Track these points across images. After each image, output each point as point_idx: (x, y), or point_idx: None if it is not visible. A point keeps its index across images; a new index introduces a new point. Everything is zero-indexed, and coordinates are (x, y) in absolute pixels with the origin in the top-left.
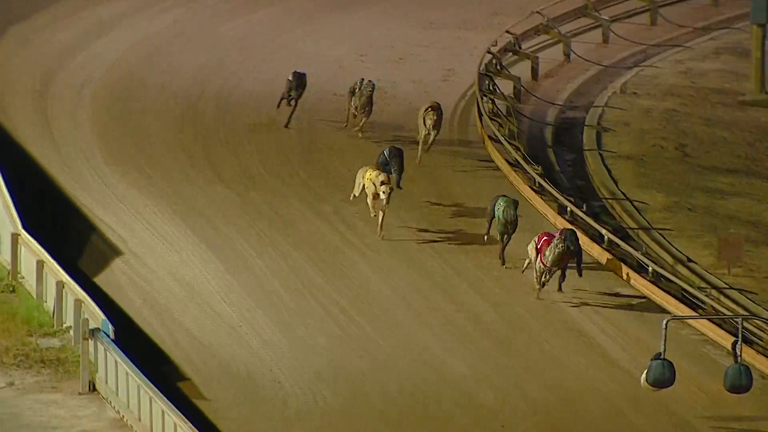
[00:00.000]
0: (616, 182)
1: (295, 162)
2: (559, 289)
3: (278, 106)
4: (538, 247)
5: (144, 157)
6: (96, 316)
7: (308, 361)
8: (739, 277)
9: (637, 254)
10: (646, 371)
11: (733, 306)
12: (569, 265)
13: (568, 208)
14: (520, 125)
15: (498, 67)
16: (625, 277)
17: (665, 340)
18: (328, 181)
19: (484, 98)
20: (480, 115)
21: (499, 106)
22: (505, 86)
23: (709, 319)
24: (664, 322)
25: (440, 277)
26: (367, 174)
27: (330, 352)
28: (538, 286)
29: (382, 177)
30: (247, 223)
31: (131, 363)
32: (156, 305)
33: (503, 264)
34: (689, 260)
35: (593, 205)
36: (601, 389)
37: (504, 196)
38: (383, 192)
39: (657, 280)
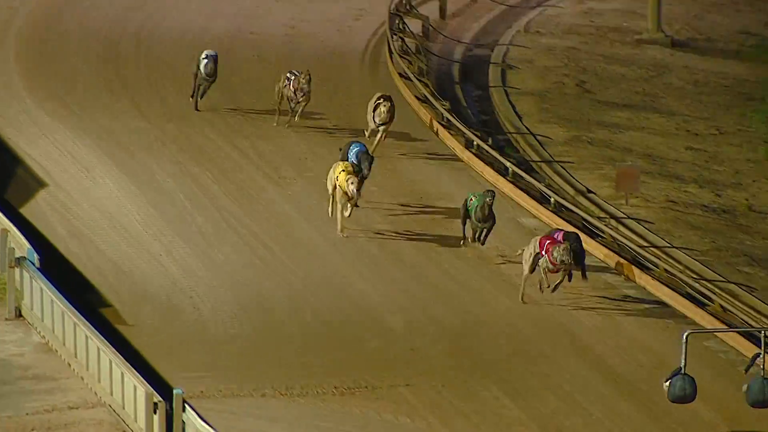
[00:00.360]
0: (520, 117)
1: (213, 98)
2: (554, 289)
3: (193, 98)
4: (544, 249)
5: (67, 93)
6: (21, 245)
7: (226, 288)
8: (636, 207)
9: (540, 186)
10: (667, 387)
11: (632, 235)
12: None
13: (475, 142)
14: (429, 63)
15: (407, 7)
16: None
17: (686, 354)
18: (246, 117)
19: (394, 37)
20: (390, 53)
21: (408, 45)
22: (415, 25)
23: (733, 331)
24: (684, 335)
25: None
26: (340, 175)
27: (247, 280)
28: (546, 285)
29: (351, 178)
30: (167, 157)
31: (56, 290)
32: (80, 235)
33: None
34: (589, 191)
35: (498, 139)
36: (507, 314)
37: (475, 193)
38: (352, 183)
39: (558, 210)
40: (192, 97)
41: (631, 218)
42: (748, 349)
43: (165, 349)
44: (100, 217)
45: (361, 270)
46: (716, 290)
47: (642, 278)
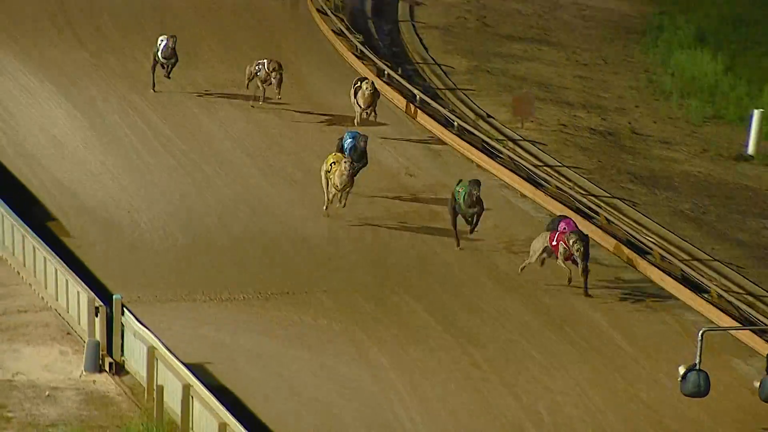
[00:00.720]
0: (426, 49)
1: (148, 29)
2: (585, 292)
3: (154, 86)
4: (556, 240)
5: (12, 25)
6: None
7: (161, 204)
8: (531, 130)
9: (445, 111)
10: (681, 382)
11: (527, 155)
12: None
13: (386, 71)
14: (344, 0)
15: None
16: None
17: (701, 351)
18: (178, 48)
19: None
20: None
21: None
22: None
23: (747, 329)
24: (700, 333)
25: (274, 130)
26: (330, 158)
27: (181, 197)
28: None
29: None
30: (105, 84)
31: (5, 204)
32: (27, 154)
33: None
34: (488, 116)
35: (407, 69)
36: (415, 229)
37: (462, 181)
38: (345, 165)
39: (461, 133)
40: (161, 82)
41: (526, 140)
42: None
43: (105, 259)
44: (45, 138)
45: (286, 191)
46: (602, 204)
47: (536, 194)
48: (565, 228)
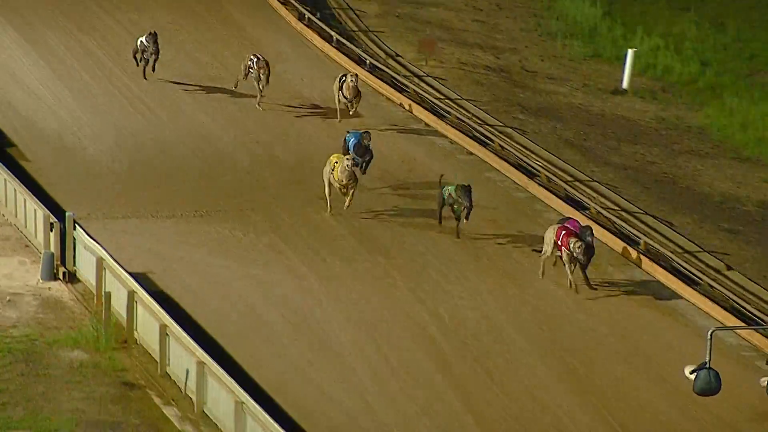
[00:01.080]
0: None
1: None
2: (588, 285)
3: (137, 64)
4: (560, 240)
5: None
6: None
7: (112, 136)
8: (434, 67)
9: (359, 51)
10: (693, 380)
11: (430, 90)
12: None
13: (306, 15)
14: None
15: None
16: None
17: (710, 350)
18: None
19: None
20: None
21: None
22: None
23: (754, 329)
24: (709, 332)
25: (212, 70)
26: (335, 168)
27: (125, 127)
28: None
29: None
30: (58, 24)
31: None
32: None
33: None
34: (397, 55)
35: (325, 13)
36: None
37: (451, 184)
38: (348, 161)
39: (373, 70)
40: (144, 73)
41: (430, 76)
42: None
43: (59, 180)
44: (4, 74)
45: (221, 123)
46: (496, 133)
47: (438, 124)
48: (568, 229)
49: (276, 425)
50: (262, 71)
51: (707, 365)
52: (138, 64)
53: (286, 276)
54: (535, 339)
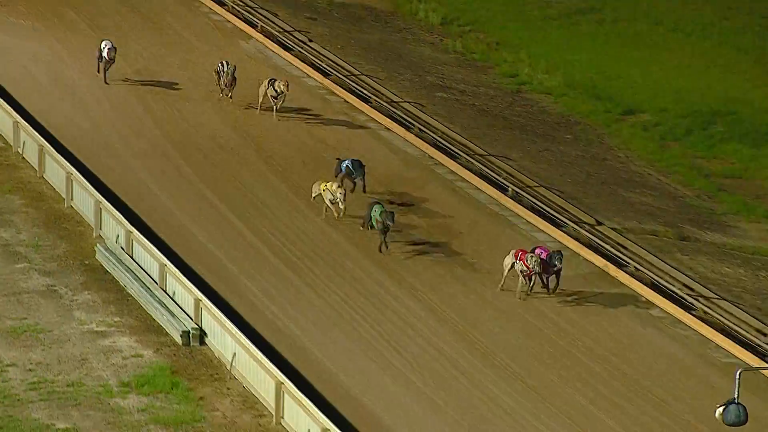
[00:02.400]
0: None
1: None
2: (546, 288)
3: (98, 70)
4: (515, 260)
5: None
6: None
7: None
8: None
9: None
10: (722, 413)
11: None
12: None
13: None
14: None
15: None
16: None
17: (739, 387)
18: None
19: None
20: None
21: None
22: None
23: None
24: (738, 372)
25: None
26: (323, 185)
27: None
28: (525, 289)
29: (335, 185)
30: None
31: None
32: None
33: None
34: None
35: None
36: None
37: (379, 204)
38: (340, 194)
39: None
40: (99, 72)
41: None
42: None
43: None
44: None
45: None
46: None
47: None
48: (531, 251)
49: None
50: (225, 76)
51: (736, 401)
52: (103, 72)
53: None
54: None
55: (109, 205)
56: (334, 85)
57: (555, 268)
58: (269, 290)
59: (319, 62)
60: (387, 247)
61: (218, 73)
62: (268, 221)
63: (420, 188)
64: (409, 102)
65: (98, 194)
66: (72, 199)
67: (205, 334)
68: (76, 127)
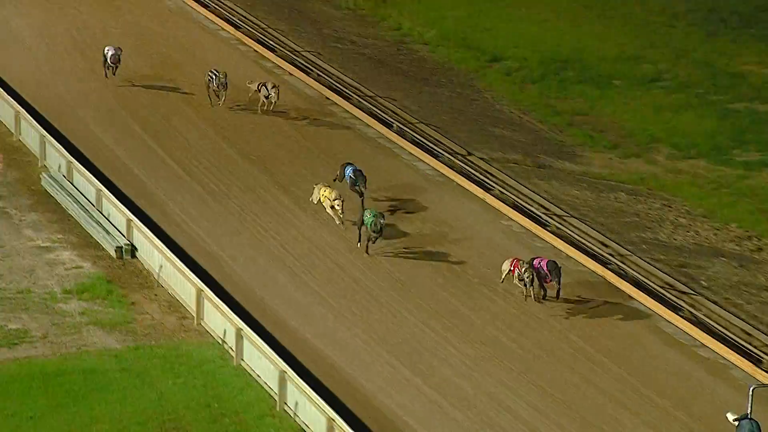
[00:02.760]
0: None
1: None
2: (545, 297)
3: (106, 75)
4: (511, 268)
5: None
6: None
7: None
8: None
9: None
10: (737, 429)
11: None
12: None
13: None
14: None
15: None
16: None
17: (752, 404)
18: None
19: None
20: None
21: None
22: None
23: None
24: (751, 389)
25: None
26: (323, 191)
27: None
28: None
29: (335, 194)
30: None
31: None
32: None
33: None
34: None
35: None
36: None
37: (369, 209)
38: (338, 205)
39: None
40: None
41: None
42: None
43: None
44: None
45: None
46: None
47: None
48: (527, 260)
49: None
50: (220, 84)
51: (749, 416)
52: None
53: None
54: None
55: (52, 138)
56: (245, 36)
57: (554, 277)
58: (190, 211)
59: (231, 17)
60: (373, 243)
61: (209, 81)
62: (192, 154)
63: (314, 122)
64: (308, 51)
65: (42, 129)
66: (20, 134)
67: (136, 248)
68: (24, 71)
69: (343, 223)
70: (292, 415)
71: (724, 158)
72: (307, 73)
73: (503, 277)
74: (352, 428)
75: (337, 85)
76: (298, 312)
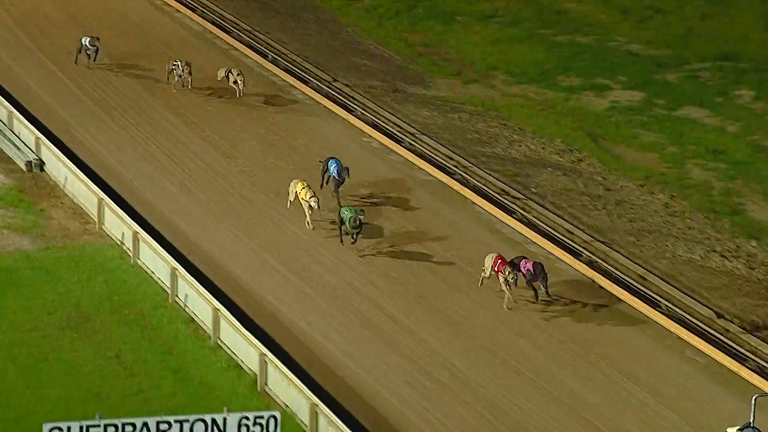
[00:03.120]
0: None
1: None
2: (536, 299)
3: (75, 61)
4: (495, 268)
5: None
6: None
7: None
8: None
9: None
10: None
11: None
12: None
13: None
14: None
15: None
16: None
17: (754, 413)
18: None
19: None
20: None
21: None
22: None
23: None
24: (754, 398)
25: None
26: (300, 189)
27: None
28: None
29: (310, 193)
30: None
31: None
32: None
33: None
34: None
35: None
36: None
37: (347, 207)
38: (314, 203)
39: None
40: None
41: None
42: None
43: None
44: None
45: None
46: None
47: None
48: (510, 262)
49: None
50: (186, 70)
51: (752, 425)
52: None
53: None
54: None
55: None
56: None
57: (540, 279)
58: (91, 129)
59: None
60: (355, 241)
61: (173, 70)
62: (98, 78)
63: (198, 53)
64: None
65: None
66: None
67: (44, 163)
68: None
69: (311, 224)
70: (182, 306)
71: (550, 84)
72: (193, 10)
73: (487, 273)
74: (234, 316)
75: (219, 19)
76: (188, 217)
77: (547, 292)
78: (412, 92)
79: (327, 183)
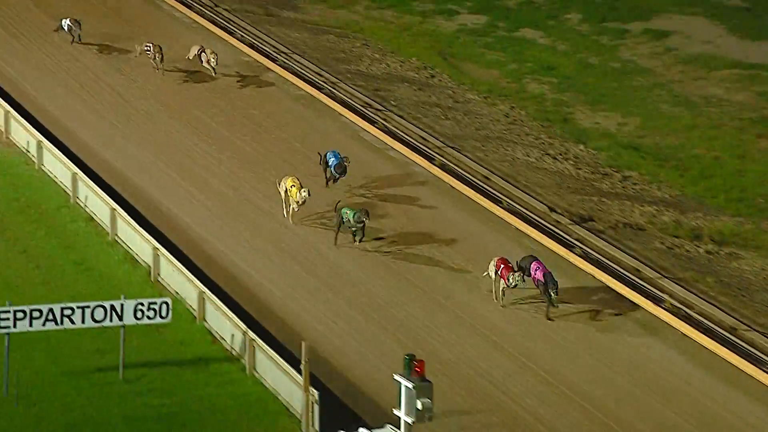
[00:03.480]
0: None
1: None
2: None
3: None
4: (499, 273)
5: None
6: None
7: None
8: None
9: None
10: None
11: None
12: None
13: None
14: None
15: None
16: None
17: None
18: None
19: None
20: None
21: None
22: None
23: None
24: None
25: None
26: (290, 187)
27: None
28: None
29: (303, 191)
30: None
31: None
32: None
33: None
34: None
35: None
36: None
37: (347, 207)
38: (301, 200)
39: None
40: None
41: None
42: None
43: None
44: None
45: None
46: None
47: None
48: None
49: None
50: (157, 54)
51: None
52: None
53: None
54: None
55: None
56: None
57: (551, 287)
58: (26, 73)
59: None
60: (360, 241)
61: (146, 50)
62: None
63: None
64: None
65: None
66: None
67: None
68: None
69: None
70: (83, 206)
71: (407, 8)
72: None
73: (492, 278)
74: (130, 215)
75: None
76: (89, 128)
77: (553, 301)
78: (284, 16)
79: (330, 179)
